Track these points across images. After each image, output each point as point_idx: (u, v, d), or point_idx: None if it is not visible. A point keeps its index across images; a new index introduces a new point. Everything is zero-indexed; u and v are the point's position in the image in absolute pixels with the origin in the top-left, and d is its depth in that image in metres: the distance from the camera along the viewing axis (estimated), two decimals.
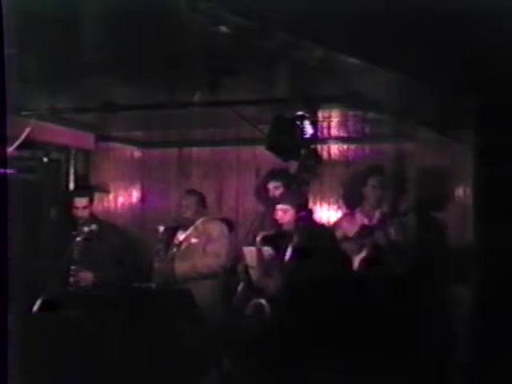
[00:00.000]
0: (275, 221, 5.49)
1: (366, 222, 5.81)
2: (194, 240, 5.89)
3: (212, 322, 5.17)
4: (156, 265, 5.73)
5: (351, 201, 6.38)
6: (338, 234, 5.87)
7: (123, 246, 6.08)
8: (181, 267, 5.77)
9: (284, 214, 5.45)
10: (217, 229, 5.98)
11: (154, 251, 5.84)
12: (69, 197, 6.34)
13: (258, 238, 5.45)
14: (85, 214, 6.01)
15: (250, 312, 5.23)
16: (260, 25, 3.47)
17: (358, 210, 6.01)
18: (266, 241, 5.47)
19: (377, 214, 5.85)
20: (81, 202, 6.02)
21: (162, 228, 5.77)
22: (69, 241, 5.94)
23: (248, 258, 5.49)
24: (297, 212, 5.46)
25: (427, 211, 5.66)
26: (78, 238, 5.88)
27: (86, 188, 6.51)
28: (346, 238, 5.71)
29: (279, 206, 5.49)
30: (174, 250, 5.87)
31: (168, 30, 3.62)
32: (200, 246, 5.85)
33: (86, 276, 5.79)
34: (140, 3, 3.20)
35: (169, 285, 5.65)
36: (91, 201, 6.14)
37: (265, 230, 5.59)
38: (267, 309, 5.17)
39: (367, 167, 6.20)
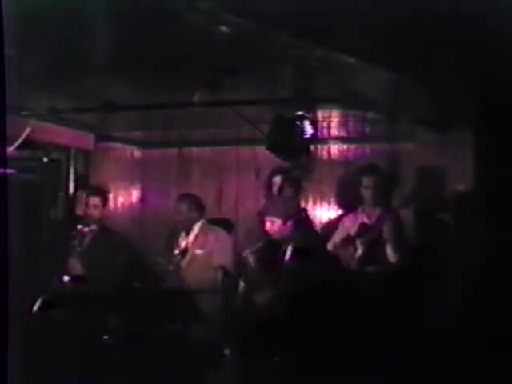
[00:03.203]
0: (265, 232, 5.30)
1: (366, 220, 5.72)
2: (198, 251, 5.77)
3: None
4: (158, 270, 5.65)
5: (348, 200, 6.33)
6: (337, 233, 5.82)
7: (124, 246, 6.06)
8: (186, 277, 5.67)
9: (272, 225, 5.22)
10: (220, 241, 5.79)
11: (155, 256, 5.75)
12: (83, 194, 6.33)
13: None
14: (95, 213, 6.02)
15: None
16: (260, 25, 3.48)
17: (355, 209, 5.90)
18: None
19: (375, 213, 5.73)
20: (93, 200, 6.04)
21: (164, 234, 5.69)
22: (69, 241, 5.95)
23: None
24: (284, 223, 5.21)
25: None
26: (78, 239, 5.89)
27: (101, 188, 6.42)
28: (345, 237, 5.65)
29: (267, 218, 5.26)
30: (178, 258, 5.75)
31: (168, 29, 3.62)
32: (205, 258, 5.73)
33: (86, 277, 5.78)
34: (140, 3, 3.20)
35: (173, 289, 5.57)
36: (104, 201, 6.12)
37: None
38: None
39: (361, 167, 6.08)
